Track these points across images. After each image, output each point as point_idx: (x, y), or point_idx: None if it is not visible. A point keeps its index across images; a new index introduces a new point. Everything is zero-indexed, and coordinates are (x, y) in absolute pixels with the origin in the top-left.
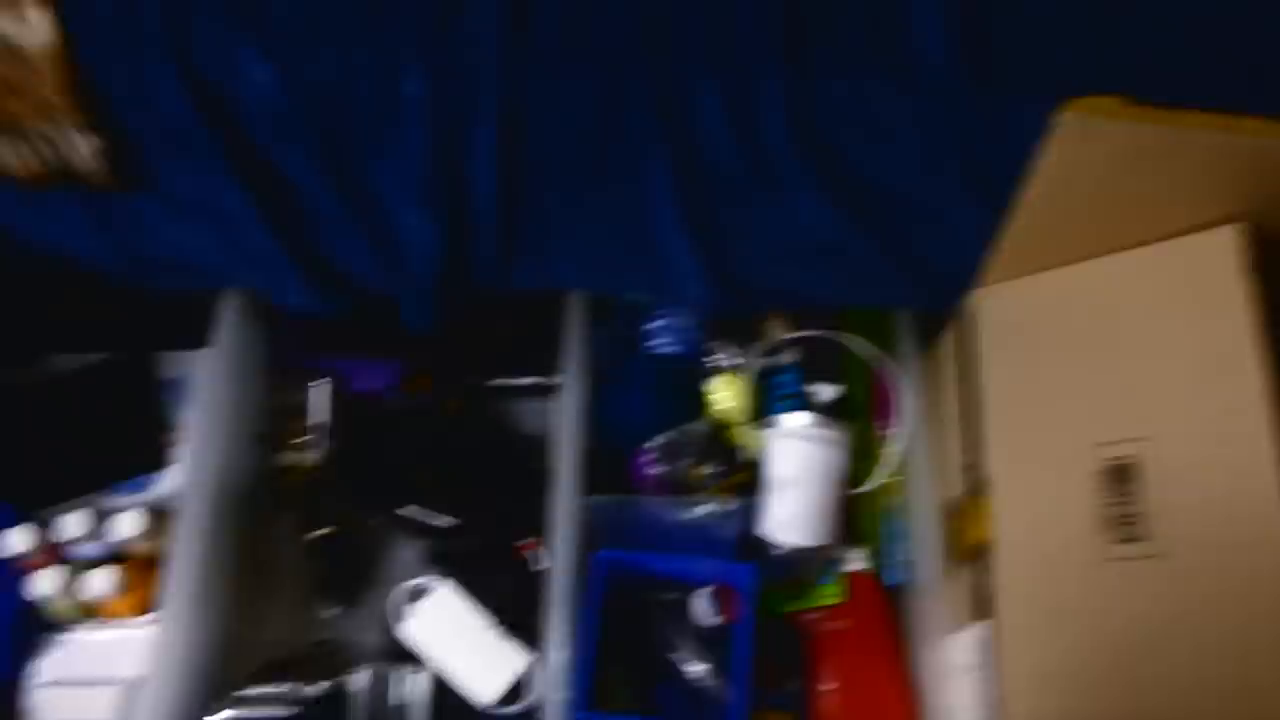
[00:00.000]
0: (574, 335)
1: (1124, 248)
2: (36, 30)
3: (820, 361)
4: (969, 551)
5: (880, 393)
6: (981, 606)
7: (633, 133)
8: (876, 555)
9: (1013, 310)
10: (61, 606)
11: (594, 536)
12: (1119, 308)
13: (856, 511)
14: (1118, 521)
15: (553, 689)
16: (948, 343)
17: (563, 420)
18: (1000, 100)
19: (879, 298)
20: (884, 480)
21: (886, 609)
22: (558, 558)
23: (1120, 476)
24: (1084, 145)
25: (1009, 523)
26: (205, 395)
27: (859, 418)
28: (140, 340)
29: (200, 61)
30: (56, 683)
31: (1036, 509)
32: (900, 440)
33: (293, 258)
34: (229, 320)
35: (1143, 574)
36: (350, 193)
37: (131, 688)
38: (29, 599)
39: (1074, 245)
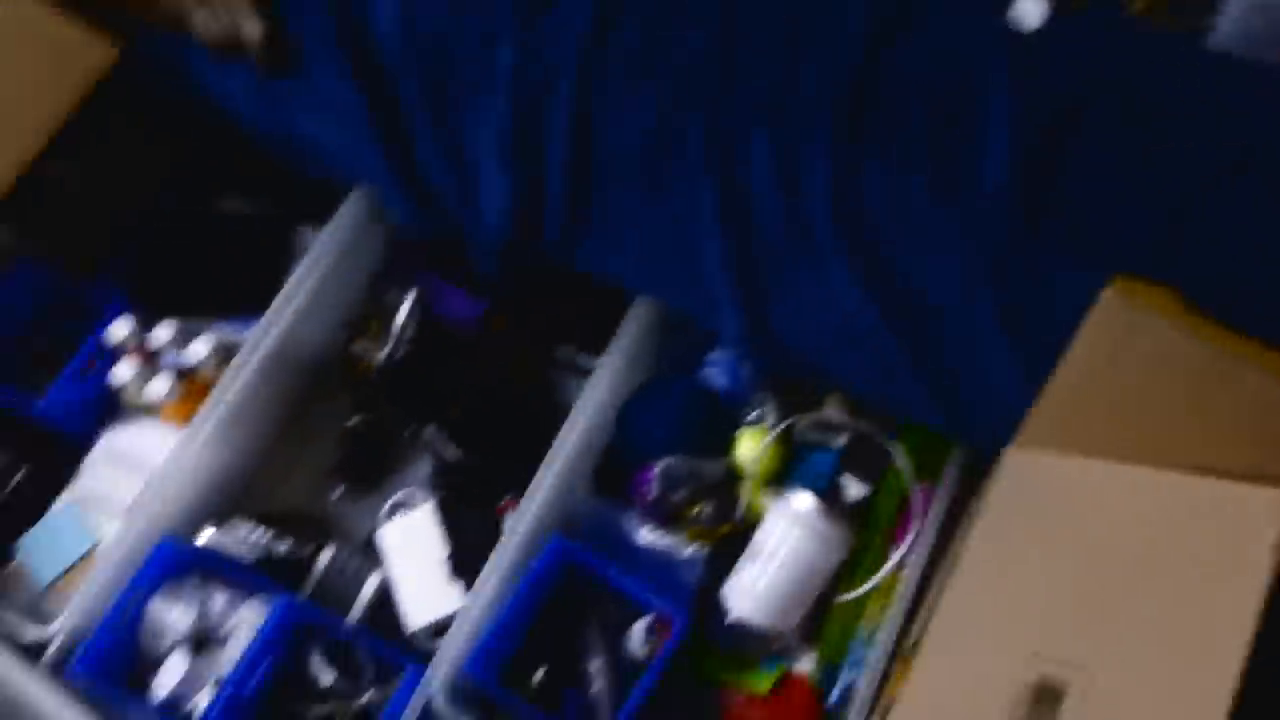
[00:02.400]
0: (627, 332)
1: (1156, 463)
2: None
3: (862, 457)
4: (886, 706)
5: (907, 515)
6: None
7: (688, 157)
8: (829, 669)
9: (1023, 482)
10: (130, 396)
11: (569, 523)
12: (1123, 527)
13: (831, 618)
14: None
15: (464, 640)
16: (980, 493)
17: (584, 405)
18: (1045, 251)
19: (910, 411)
20: (863, 598)
21: None
22: (521, 528)
23: (1043, 696)
24: (1125, 333)
25: (916, 695)
26: (310, 265)
27: (875, 529)
28: (290, 206)
29: None
30: (110, 454)
31: (948, 692)
32: (899, 567)
33: (395, 171)
34: (348, 210)
35: None
36: (446, 133)
37: (153, 480)
38: (111, 381)
39: (1107, 438)
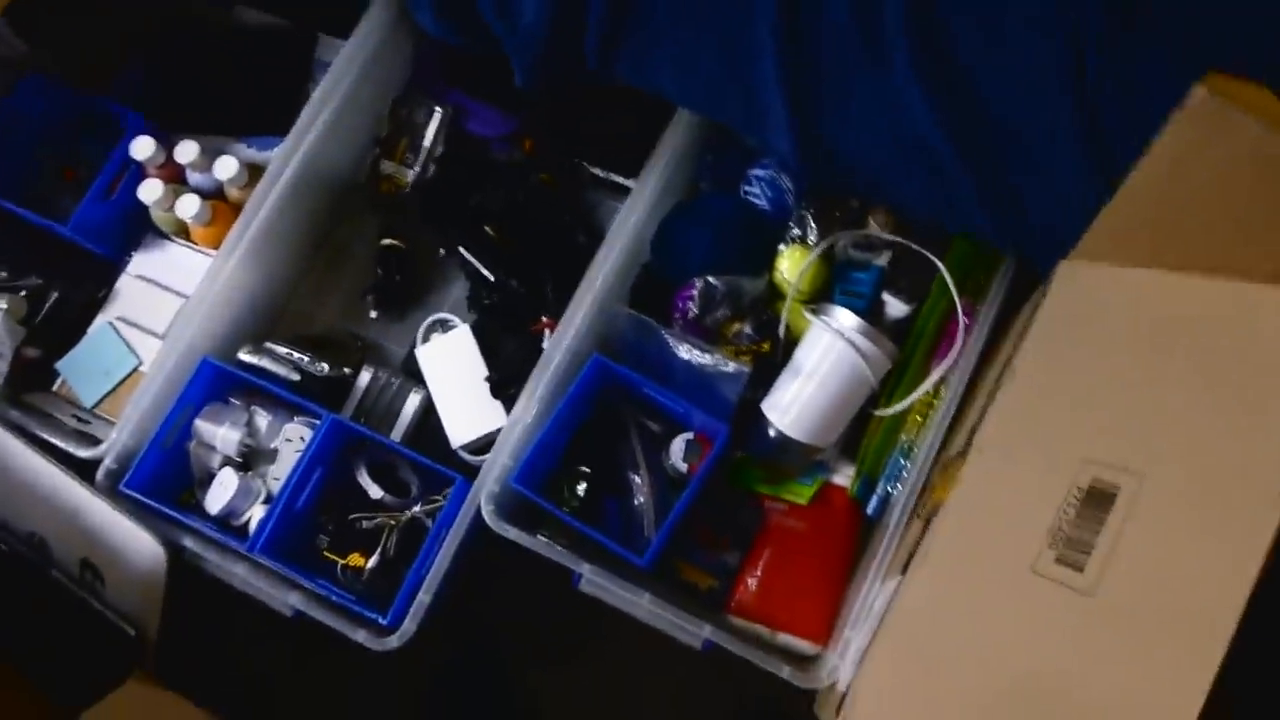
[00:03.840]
0: (666, 148)
1: (1228, 273)
2: None
3: (905, 275)
4: (931, 509)
5: (950, 330)
6: (906, 563)
7: None
8: (867, 480)
9: (1082, 294)
10: (160, 217)
11: (606, 343)
12: (1186, 338)
13: (871, 432)
14: (1068, 541)
15: (508, 455)
16: (1029, 305)
17: (621, 224)
18: (1135, 47)
19: (965, 227)
20: (903, 411)
21: (848, 532)
22: (560, 344)
23: (1094, 499)
24: (1212, 133)
25: (965, 495)
26: (335, 79)
27: (918, 343)
28: (310, 16)
29: None
30: (141, 277)
31: (999, 494)
32: (941, 382)
33: None
34: (372, 18)
35: (1058, 603)
36: None
37: (189, 303)
38: (139, 200)
39: (1177, 247)
